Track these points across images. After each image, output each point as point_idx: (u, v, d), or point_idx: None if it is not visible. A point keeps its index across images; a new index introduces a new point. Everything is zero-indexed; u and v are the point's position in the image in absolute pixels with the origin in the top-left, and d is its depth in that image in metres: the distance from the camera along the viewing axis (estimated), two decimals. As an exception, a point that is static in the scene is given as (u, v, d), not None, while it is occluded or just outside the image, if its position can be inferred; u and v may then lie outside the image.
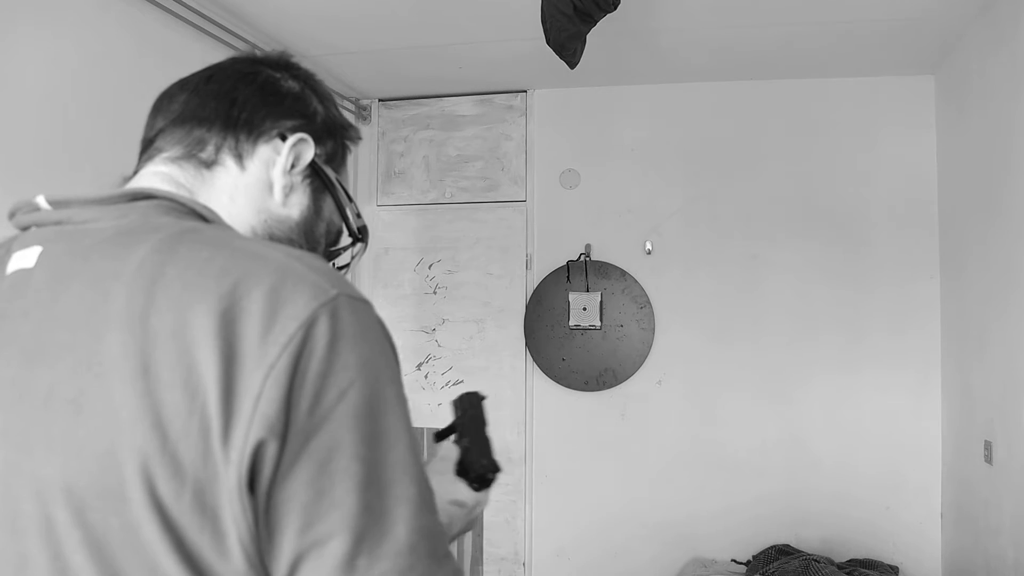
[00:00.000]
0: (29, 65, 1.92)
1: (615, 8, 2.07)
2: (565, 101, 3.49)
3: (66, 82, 2.04)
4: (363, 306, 0.56)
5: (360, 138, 0.83)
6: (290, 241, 0.73)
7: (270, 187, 0.71)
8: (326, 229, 0.78)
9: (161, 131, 0.71)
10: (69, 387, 0.52)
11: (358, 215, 0.79)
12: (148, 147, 0.71)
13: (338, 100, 3.39)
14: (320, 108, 0.76)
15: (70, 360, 0.53)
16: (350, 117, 3.58)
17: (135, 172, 0.72)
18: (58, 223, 0.62)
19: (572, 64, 2.30)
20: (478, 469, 0.87)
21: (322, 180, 0.75)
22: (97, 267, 0.56)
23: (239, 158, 0.70)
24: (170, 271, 0.53)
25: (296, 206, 0.74)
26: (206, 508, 0.50)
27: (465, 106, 3.58)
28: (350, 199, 0.78)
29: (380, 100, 3.67)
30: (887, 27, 2.71)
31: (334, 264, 0.80)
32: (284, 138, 0.72)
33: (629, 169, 3.42)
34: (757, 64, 3.13)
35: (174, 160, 0.69)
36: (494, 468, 0.88)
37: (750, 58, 3.07)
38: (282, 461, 0.50)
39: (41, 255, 0.59)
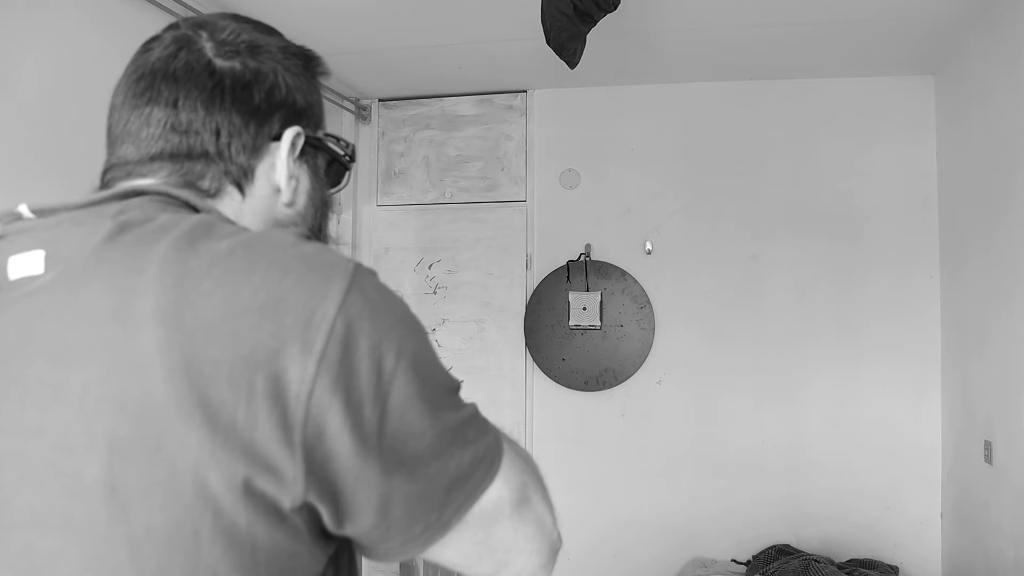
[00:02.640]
0: (28, 65, 1.92)
1: (615, 8, 2.07)
2: (565, 101, 3.49)
3: (66, 82, 2.04)
4: (372, 272, 0.60)
5: (328, 71, 0.79)
6: (295, 227, 0.74)
7: (276, 193, 0.71)
8: (328, 187, 0.78)
9: (138, 162, 0.67)
10: (106, 385, 0.53)
11: (345, 144, 0.78)
12: (121, 169, 0.68)
13: (338, 100, 3.40)
14: (290, 80, 0.71)
15: (103, 358, 0.53)
16: (350, 117, 3.58)
17: (104, 188, 0.69)
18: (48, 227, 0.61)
19: (572, 64, 2.30)
20: None
21: (311, 144, 0.74)
22: (117, 265, 0.56)
23: (239, 187, 0.69)
24: (194, 267, 0.54)
25: (302, 193, 0.73)
26: (253, 492, 0.52)
27: (465, 106, 3.58)
28: (336, 139, 0.76)
29: (380, 100, 3.67)
30: (887, 27, 2.71)
31: (337, 189, 0.81)
32: (276, 137, 0.70)
33: (629, 169, 3.42)
34: (757, 64, 3.13)
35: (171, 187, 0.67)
36: None
37: (750, 58, 3.06)
38: (358, 433, 0.55)
39: (48, 257, 0.58)
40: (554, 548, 0.67)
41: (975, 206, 2.72)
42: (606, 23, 2.20)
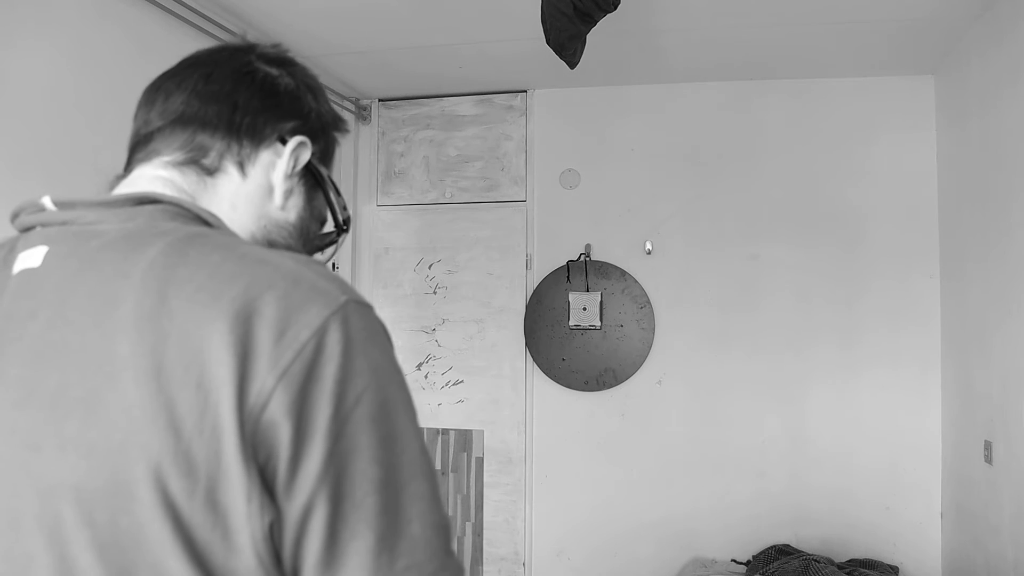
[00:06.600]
0: (29, 65, 1.92)
1: (615, 8, 2.07)
2: (565, 101, 3.49)
3: (66, 82, 2.04)
4: (370, 311, 0.58)
5: (348, 130, 0.85)
6: (288, 246, 0.74)
7: (270, 192, 0.72)
8: (316, 224, 0.80)
9: (158, 130, 0.69)
10: (79, 387, 0.52)
11: (344, 207, 0.80)
12: (143, 145, 0.70)
13: (338, 100, 3.40)
14: (314, 105, 0.76)
15: (80, 360, 0.53)
16: (350, 117, 3.58)
17: (127, 169, 0.71)
18: (63, 224, 0.62)
19: (572, 64, 2.30)
20: None
21: (315, 178, 0.76)
22: (105, 269, 0.56)
23: (241, 166, 0.70)
24: (181, 273, 0.54)
25: (293, 208, 0.74)
26: (218, 506, 0.51)
27: (465, 106, 3.58)
28: (338, 192, 0.79)
29: (380, 100, 3.67)
30: (887, 27, 2.71)
31: (320, 251, 0.83)
32: (284, 141, 0.72)
33: (629, 169, 3.42)
34: (757, 64, 3.13)
35: (175, 165, 0.68)
36: None
37: (750, 58, 3.07)
38: (300, 463, 0.52)
39: (47, 255, 0.59)
40: None
41: (975, 206, 2.72)
42: (606, 23, 2.20)
